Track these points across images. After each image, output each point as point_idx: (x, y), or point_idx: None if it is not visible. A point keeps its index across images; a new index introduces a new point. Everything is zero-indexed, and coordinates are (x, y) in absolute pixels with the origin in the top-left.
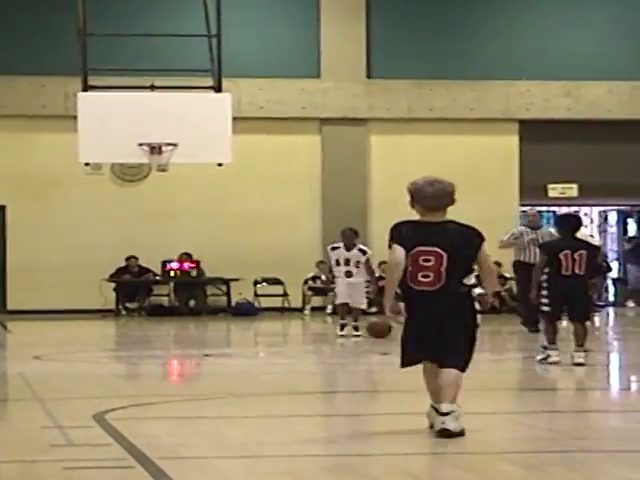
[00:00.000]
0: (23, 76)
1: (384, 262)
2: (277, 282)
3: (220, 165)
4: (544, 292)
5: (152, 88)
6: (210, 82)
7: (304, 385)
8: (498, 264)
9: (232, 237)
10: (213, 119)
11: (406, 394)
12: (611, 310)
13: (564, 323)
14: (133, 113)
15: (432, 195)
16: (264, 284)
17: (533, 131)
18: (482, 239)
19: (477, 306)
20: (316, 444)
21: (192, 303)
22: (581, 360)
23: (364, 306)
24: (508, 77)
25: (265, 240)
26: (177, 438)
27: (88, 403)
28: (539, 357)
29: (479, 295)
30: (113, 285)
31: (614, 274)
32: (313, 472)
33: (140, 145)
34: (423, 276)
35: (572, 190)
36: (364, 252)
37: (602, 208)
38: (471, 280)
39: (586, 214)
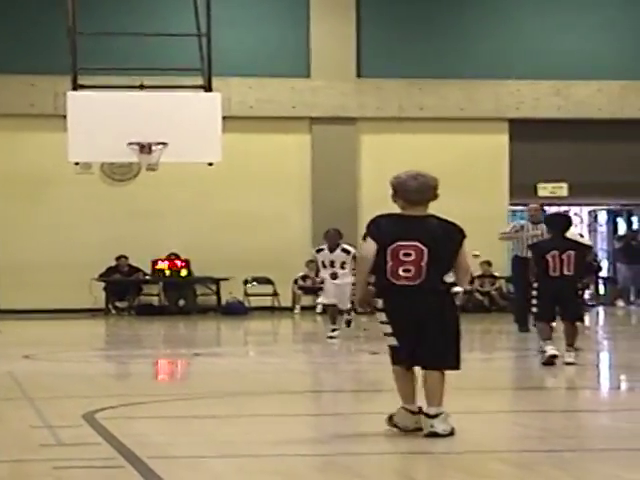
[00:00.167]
0: (12, 75)
1: None
2: (267, 281)
3: (210, 164)
4: (534, 292)
5: (142, 87)
6: (200, 81)
7: (294, 384)
8: (488, 263)
9: (222, 236)
10: (203, 118)
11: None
12: (601, 309)
13: (554, 324)
14: (123, 112)
15: (415, 189)
16: (254, 283)
17: (523, 130)
18: (463, 235)
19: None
20: (306, 443)
21: (182, 302)
22: (571, 359)
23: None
24: (498, 76)
25: (255, 239)
26: (167, 437)
27: (78, 402)
28: (542, 360)
29: (455, 293)
30: (103, 284)
31: (604, 273)
32: (303, 471)
33: (130, 144)
34: (404, 270)
35: (562, 189)
36: (348, 252)
37: (592, 207)
38: (451, 278)
39: (576, 213)
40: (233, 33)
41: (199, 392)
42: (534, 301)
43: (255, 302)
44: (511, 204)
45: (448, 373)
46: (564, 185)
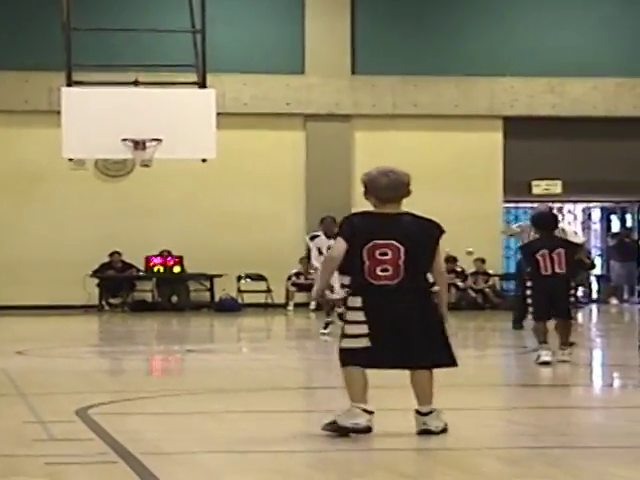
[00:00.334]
0: (6, 71)
1: None
2: (260, 278)
3: (204, 161)
4: (528, 292)
5: (136, 84)
6: (194, 78)
7: (287, 381)
8: (482, 261)
9: (216, 232)
10: (197, 115)
11: (389, 390)
12: (594, 307)
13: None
14: (117, 109)
15: (386, 186)
16: (247, 280)
17: (517, 128)
18: (441, 231)
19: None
20: (300, 440)
21: (175, 299)
22: (565, 357)
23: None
24: (493, 74)
25: (249, 236)
26: (160, 433)
27: (71, 398)
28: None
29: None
30: (96, 281)
31: (597, 271)
32: (297, 468)
33: (124, 140)
34: (382, 270)
35: (556, 187)
36: None
37: (586, 205)
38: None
39: (570, 211)
40: (227, 29)
41: (192, 388)
42: (529, 300)
43: (248, 299)
44: (505, 201)
45: (442, 370)
46: (558, 183)
